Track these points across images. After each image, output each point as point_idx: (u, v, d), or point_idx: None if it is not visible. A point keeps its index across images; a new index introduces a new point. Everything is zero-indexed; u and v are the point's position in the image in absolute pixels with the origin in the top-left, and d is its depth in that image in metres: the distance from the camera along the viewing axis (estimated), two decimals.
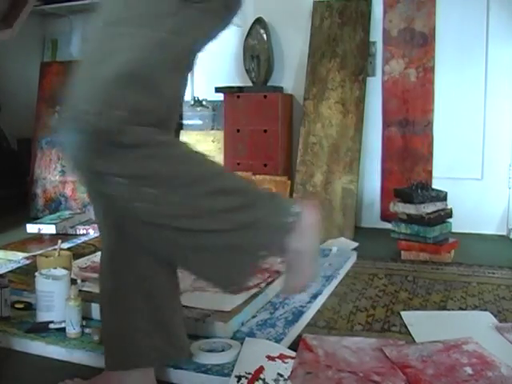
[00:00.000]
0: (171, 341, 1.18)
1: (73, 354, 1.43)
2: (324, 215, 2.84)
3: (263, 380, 1.25)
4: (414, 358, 1.38)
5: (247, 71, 3.21)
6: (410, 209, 2.41)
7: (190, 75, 1.17)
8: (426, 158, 2.93)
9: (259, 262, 1.12)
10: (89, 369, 1.39)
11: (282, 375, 1.28)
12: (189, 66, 1.10)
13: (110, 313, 1.17)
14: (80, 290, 1.63)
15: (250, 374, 1.27)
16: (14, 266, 2.13)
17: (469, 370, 1.31)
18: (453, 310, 1.79)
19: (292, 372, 1.30)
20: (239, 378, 1.26)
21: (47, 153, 3.49)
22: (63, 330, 1.52)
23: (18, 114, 3.76)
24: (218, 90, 3.17)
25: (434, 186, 2.62)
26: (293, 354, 1.39)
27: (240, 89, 3.14)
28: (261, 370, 1.28)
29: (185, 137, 3.38)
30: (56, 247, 1.86)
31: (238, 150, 3.12)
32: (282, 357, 1.36)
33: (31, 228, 2.74)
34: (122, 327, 1.14)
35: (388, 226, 2.61)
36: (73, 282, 1.69)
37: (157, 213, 0.98)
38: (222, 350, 1.40)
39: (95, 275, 1.93)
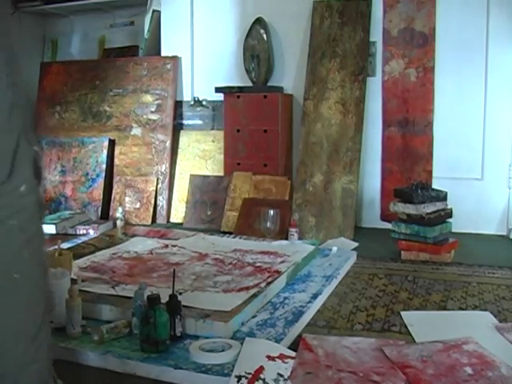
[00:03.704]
0: None
1: (73, 354, 1.43)
2: (324, 215, 2.84)
3: (263, 380, 1.25)
4: (414, 357, 1.38)
5: (247, 71, 3.21)
6: (410, 209, 2.41)
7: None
8: (426, 158, 2.93)
9: None
10: (89, 368, 1.39)
11: (282, 375, 1.28)
12: None
13: None
14: (80, 290, 1.63)
15: (250, 373, 1.27)
16: None
17: (469, 370, 1.31)
18: (453, 310, 1.79)
19: (292, 372, 1.30)
20: (239, 377, 1.25)
21: (47, 153, 3.49)
22: (63, 329, 1.52)
23: None
24: (217, 89, 3.17)
25: (434, 186, 2.62)
26: (293, 354, 1.39)
27: (240, 89, 3.14)
28: (261, 369, 1.28)
29: (185, 137, 3.39)
30: (56, 247, 1.86)
31: (238, 150, 3.12)
32: (281, 357, 1.36)
33: None
34: None
35: (388, 226, 2.61)
36: (73, 281, 1.68)
37: None
38: (222, 350, 1.40)
39: (95, 275, 1.93)
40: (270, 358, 1.34)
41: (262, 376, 1.26)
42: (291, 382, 1.27)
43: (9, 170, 1.02)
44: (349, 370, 1.32)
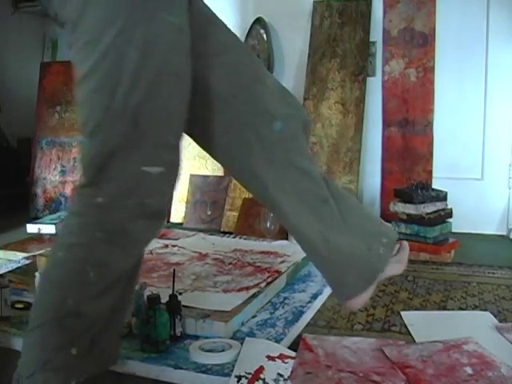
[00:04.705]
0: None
1: None
2: None
3: (263, 380, 1.25)
4: (413, 358, 1.38)
5: None
6: (410, 209, 2.41)
7: None
8: (426, 158, 2.93)
9: None
10: None
11: (281, 375, 1.28)
12: None
13: None
14: None
15: (250, 373, 1.27)
16: (14, 265, 2.12)
17: (469, 370, 1.31)
18: (453, 309, 1.79)
19: (292, 372, 1.30)
20: (239, 377, 1.25)
21: (47, 153, 3.49)
22: None
23: (18, 114, 3.76)
24: None
25: (434, 186, 2.62)
26: (293, 354, 1.39)
27: None
28: (261, 369, 1.28)
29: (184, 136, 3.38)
30: None
31: None
32: (281, 357, 1.36)
33: (31, 228, 2.73)
34: None
35: None
36: None
37: None
38: (222, 350, 1.40)
39: None
40: (269, 358, 1.34)
41: (261, 376, 1.26)
42: (291, 381, 1.27)
43: (91, 178, 1.02)
44: (349, 370, 1.32)
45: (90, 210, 1.04)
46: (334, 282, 1.35)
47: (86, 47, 1.00)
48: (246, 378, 1.25)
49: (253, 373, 1.27)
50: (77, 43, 1.01)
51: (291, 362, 1.35)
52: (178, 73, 1.04)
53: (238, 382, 1.24)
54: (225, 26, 1.23)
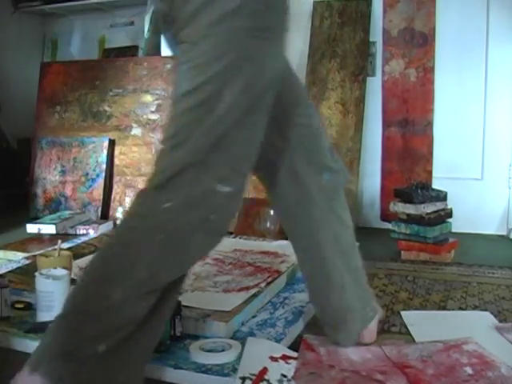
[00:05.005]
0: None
1: None
2: None
3: (267, 381, 1.25)
4: (413, 358, 1.38)
5: None
6: (410, 209, 2.41)
7: None
8: (425, 158, 2.93)
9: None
10: None
11: (285, 376, 1.28)
12: None
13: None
14: None
15: (254, 375, 1.26)
16: (14, 265, 2.12)
17: (469, 370, 1.31)
18: (453, 309, 1.79)
19: (295, 372, 1.30)
20: (244, 379, 1.25)
21: (47, 153, 3.49)
22: None
23: (18, 114, 3.76)
24: None
25: (434, 186, 2.62)
26: (295, 354, 1.39)
27: None
28: (265, 371, 1.28)
29: None
30: (56, 247, 1.86)
31: None
32: (284, 357, 1.36)
33: (31, 228, 2.73)
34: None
35: (388, 225, 2.61)
36: (73, 282, 1.68)
37: None
38: (222, 350, 1.39)
39: None
40: (272, 358, 1.34)
41: (266, 377, 1.26)
42: (295, 382, 1.27)
43: (163, 182, 1.06)
44: (352, 370, 1.32)
45: (155, 213, 1.07)
46: (333, 327, 1.49)
47: (196, 68, 1.07)
48: (251, 379, 1.25)
49: (257, 374, 1.27)
50: (188, 62, 1.09)
51: (294, 362, 1.35)
52: (266, 112, 1.14)
53: (242, 383, 1.24)
54: (301, 83, 1.50)
